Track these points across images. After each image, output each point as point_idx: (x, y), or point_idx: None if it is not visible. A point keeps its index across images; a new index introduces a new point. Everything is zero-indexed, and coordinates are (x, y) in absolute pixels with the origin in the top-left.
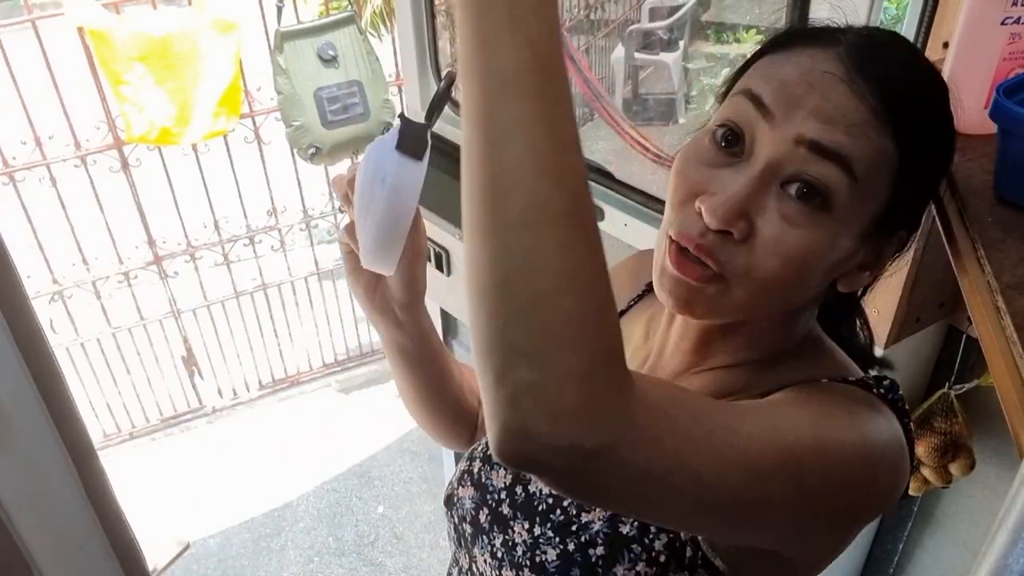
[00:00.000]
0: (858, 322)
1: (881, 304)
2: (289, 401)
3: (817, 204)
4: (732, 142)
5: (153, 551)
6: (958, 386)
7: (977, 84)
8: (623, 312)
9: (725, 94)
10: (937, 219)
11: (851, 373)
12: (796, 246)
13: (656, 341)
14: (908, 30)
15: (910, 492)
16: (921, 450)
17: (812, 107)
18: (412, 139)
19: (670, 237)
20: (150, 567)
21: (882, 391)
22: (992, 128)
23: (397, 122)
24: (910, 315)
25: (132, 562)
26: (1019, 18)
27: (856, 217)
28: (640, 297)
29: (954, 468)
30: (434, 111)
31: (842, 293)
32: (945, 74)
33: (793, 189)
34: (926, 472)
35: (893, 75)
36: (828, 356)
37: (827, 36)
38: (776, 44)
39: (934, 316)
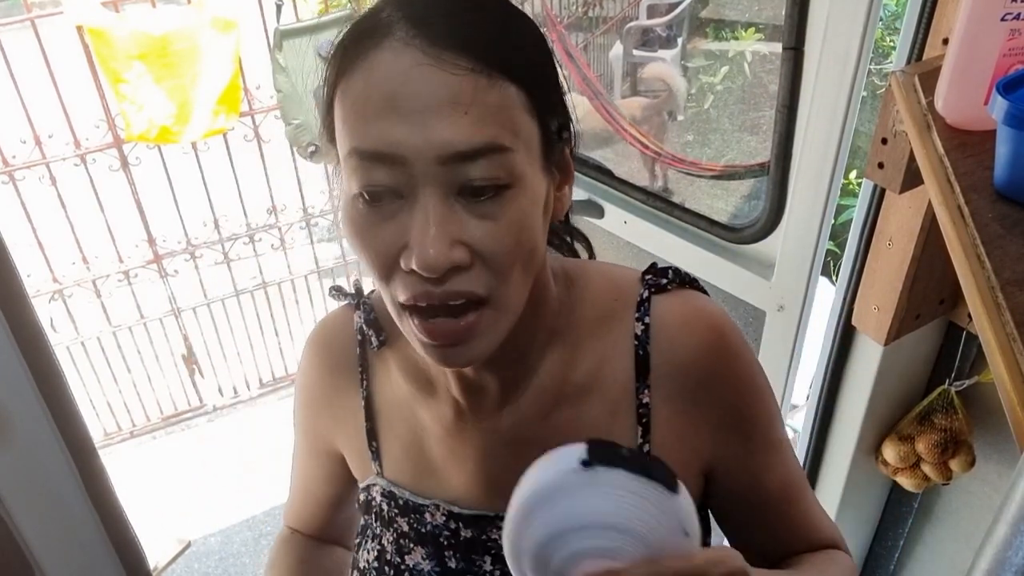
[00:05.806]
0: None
1: (881, 301)
2: (290, 399)
3: (498, 188)
4: (385, 195)
5: (154, 549)
6: (958, 383)
7: (977, 80)
8: (368, 398)
9: (329, 106)
10: (937, 215)
11: (629, 286)
12: (511, 231)
13: (453, 392)
14: (908, 26)
15: (911, 488)
16: (921, 446)
17: (427, 119)
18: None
19: (404, 305)
20: (151, 565)
21: (684, 281)
22: (992, 124)
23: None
24: (910, 312)
25: (133, 560)
26: (1019, 14)
27: (532, 166)
28: (362, 365)
29: (954, 464)
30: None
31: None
32: (945, 70)
33: (471, 192)
34: (927, 468)
35: (461, 18)
36: (598, 285)
37: (378, 26)
38: (341, 66)
39: (934, 312)
